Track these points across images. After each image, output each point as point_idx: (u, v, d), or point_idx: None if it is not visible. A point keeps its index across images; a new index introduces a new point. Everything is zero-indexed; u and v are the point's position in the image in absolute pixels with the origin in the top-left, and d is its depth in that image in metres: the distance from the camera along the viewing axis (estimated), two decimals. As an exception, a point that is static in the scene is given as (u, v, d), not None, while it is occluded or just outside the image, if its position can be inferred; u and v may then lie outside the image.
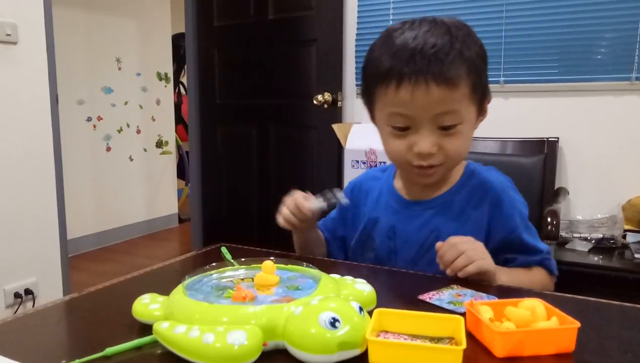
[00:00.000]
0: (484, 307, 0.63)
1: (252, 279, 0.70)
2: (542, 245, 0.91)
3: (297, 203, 0.90)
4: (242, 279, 0.71)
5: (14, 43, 2.13)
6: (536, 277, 0.89)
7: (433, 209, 0.90)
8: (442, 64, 0.75)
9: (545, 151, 2.18)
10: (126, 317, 0.66)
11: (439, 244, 0.79)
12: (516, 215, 0.89)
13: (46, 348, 0.62)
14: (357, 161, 2.32)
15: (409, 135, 0.81)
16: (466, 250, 0.76)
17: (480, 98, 0.82)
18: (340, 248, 1.05)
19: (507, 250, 0.89)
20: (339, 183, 2.58)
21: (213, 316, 0.58)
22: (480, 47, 0.82)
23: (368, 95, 0.85)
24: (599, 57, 2.15)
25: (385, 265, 0.91)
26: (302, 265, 0.74)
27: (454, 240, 0.78)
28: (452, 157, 0.83)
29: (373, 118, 0.88)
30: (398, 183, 0.97)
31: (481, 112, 0.85)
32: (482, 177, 0.91)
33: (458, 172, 0.92)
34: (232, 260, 0.74)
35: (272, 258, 0.76)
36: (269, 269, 0.68)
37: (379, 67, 0.80)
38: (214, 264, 0.75)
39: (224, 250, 0.92)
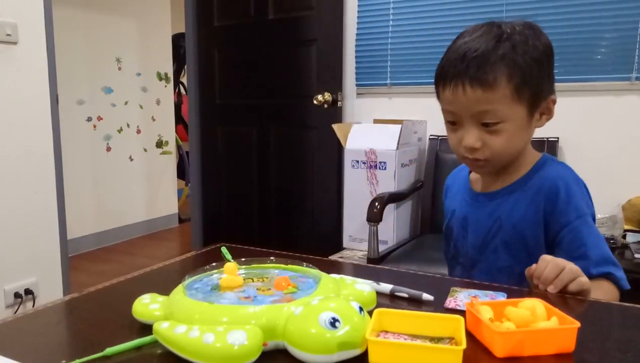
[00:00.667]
0: (484, 307, 0.63)
1: (252, 279, 0.70)
2: (607, 252, 0.88)
3: None
4: (242, 279, 0.71)
5: (14, 43, 2.13)
6: (611, 291, 0.85)
7: (498, 199, 0.94)
8: (478, 68, 0.82)
9: (545, 151, 2.18)
10: (126, 317, 0.67)
11: (532, 267, 0.79)
12: (572, 211, 0.89)
13: (46, 348, 0.62)
14: (357, 161, 2.32)
15: (459, 129, 0.88)
16: (567, 266, 0.76)
17: (532, 98, 0.85)
18: None
19: (565, 249, 0.87)
20: (338, 183, 2.59)
21: (213, 316, 0.58)
22: (539, 51, 0.85)
23: (436, 90, 0.92)
24: (599, 57, 2.15)
25: (460, 253, 0.99)
26: (302, 265, 0.74)
27: (550, 257, 0.78)
28: (496, 153, 0.87)
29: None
30: (473, 177, 1.02)
31: (539, 110, 0.88)
32: (546, 170, 0.93)
33: (528, 164, 0.94)
34: (232, 260, 0.74)
35: (272, 258, 0.76)
36: (231, 271, 0.68)
37: (438, 69, 0.90)
38: (214, 264, 0.75)
39: (224, 250, 0.92)
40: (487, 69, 0.82)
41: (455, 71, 0.84)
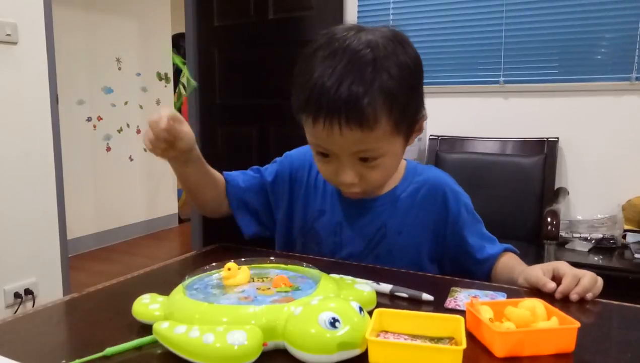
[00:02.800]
0: (484, 307, 0.63)
1: (252, 279, 0.70)
2: (489, 237, 0.93)
3: (171, 120, 0.82)
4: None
5: (14, 43, 2.13)
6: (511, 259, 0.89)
7: (380, 206, 0.90)
8: (355, 107, 0.72)
9: (545, 151, 2.18)
10: (126, 317, 0.67)
11: (552, 284, 0.73)
12: (462, 210, 0.90)
13: (46, 348, 0.62)
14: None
15: (332, 161, 0.80)
16: (585, 275, 0.73)
17: (408, 129, 0.80)
18: (248, 215, 1.02)
19: (461, 245, 0.89)
20: (339, 184, 2.58)
21: (213, 316, 0.58)
22: (411, 70, 0.76)
23: (296, 113, 0.84)
24: (599, 57, 2.15)
25: (328, 258, 0.92)
26: (302, 265, 0.74)
27: (564, 268, 0.75)
28: (374, 185, 0.84)
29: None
30: None
31: (412, 134, 0.83)
32: (425, 175, 0.92)
33: (400, 172, 0.92)
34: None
35: (272, 258, 0.76)
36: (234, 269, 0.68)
37: (299, 93, 0.80)
38: (214, 264, 0.75)
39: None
40: (366, 108, 0.72)
41: (328, 107, 0.73)
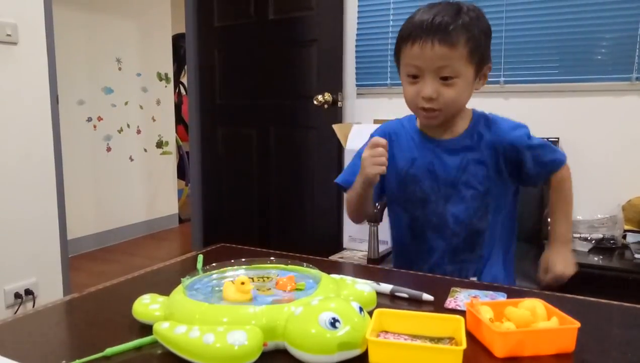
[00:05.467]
0: (484, 307, 0.63)
1: (252, 279, 0.70)
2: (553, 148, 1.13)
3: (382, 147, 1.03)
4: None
5: (14, 43, 2.13)
6: (567, 191, 1.13)
7: (458, 145, 1.10)
8: (444, 30, 0.99)
9: (545, 151, 2.18)
10: (126, 317, 0.67)
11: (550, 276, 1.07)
12: (512, 129, 1.10)
13: (46, 348, 0.62)
14: (357, 161, 2.31)
15: (418, 82, 1.04)
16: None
17: (478, 62, 1.04)
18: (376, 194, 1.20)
19: (525, 156, 1.08)
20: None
21: (213, 316, 0.58)
22: (486, 27, 1.05)
23: (397, 54, 1.08)
24: (599, 57, 2.15)
25: (429, 193, 1.10)
26: (302, 266, 0.74)
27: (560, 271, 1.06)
28: (448, 104, 1.03)
29: (400, 74, 1.10)
30: (422, 128, 1.16)
31: (479, 75, 1.06)
32: (492, 128, 1.11)
33: (467, 118, 1.12)
34: (200, 270, 0.73)
35: (272, 258, 0.76)
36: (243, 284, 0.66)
37: (404, 31, 1.05)
38: (214, 264, 0.75)
39: (199, 259, 0.88)
40: (451, 33, 0.99)
41: (424, 32, 1.00)
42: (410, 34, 1.03)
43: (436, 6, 1.04)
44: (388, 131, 1.19)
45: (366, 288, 0.70)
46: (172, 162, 4.33)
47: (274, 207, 2.88)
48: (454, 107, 1.06)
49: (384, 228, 2.23)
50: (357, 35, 2.61)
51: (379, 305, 0.68)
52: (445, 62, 1.00)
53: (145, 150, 4.05)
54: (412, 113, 1.13)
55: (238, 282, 0.65)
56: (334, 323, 0.54)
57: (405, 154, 1.14)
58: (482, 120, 1.12)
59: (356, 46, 2.62)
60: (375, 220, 2.01)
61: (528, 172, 1.09)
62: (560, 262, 1.07)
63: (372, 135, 1.19)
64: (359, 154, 1.15)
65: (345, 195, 1.19)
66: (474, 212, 1.08)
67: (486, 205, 1.09)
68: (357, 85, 2.64)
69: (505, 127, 1.11)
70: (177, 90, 4.76)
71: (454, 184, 1.09)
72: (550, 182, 1.12)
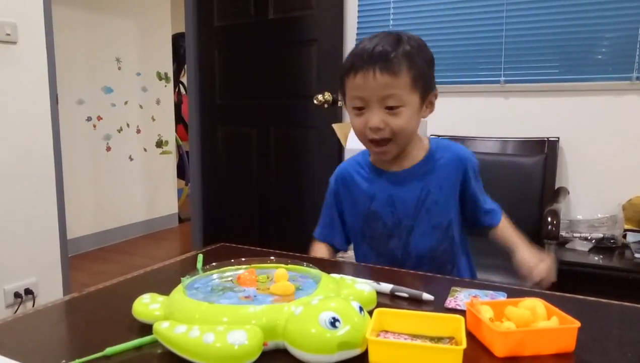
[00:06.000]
0: (484, 306, 0.63)
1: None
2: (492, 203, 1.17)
3: None
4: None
5: (14, 43, 2.13)
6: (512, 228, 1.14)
7: (418, 171, 1.10)
8: (386, 59, 1.00)
9: (545, 151, 2.18)
10: (126, 317, 0.67)
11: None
12: (474, 177, 1.12)
13: (46, 348, 0.62)
14: (357, 161, 2.31)
15: (364, 113, 1.03)
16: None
17: (423, 90, 1.04)
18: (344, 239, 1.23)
19: (468, 208, 1.12)
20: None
21: (213, 316, 0.58)
22: (428, 55, 1.06)
23: (341, 85, 1.08)
24: (600, 56, 2.15)
25: (393, 227, 1.09)
26: (302, 265, 0.74)
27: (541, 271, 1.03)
28: (397, 133, 1.03)
29: (345, 105, 1.10)
30: (375, 163, 1.15)
31: (426, 103, 1.06)
32: (450, 151, 1.12)
33: (425, 146, 1.12)
34: (200, 269, 0.73)
35: (272, 258, 0.76)
36: (282, 277, 0.67)
37: (346, 63, 1.06)
38: (214, 264, 0.75)
39: (199, 258, 0.88)
40: (393, 60, 1.00)
41: (365, 62, 1.01)
42: (352, 65, 1.03)
43: (377, 36, 1.05)
44: (343, 174, 1.20)
45: (366, 287, 0.70)
46: (171, 161, 4.33)
47: (274, 207, 2.88)
48: (403, 136, 1.04)
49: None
50: (357, 35, 2.61)
51: (379, 305, 0.68)
52: (389, 91, 1.00)
53: (145, 149, 4.05)
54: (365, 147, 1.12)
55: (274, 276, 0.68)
56: (334, 322, 0.54)
57: (364, 192, 1.13)
58: (440, 146, 1.13)
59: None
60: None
61: (465, 213, 1.12)
62: (534, 258, 1.05)
63: (330, 180, 1.24)
64: (327, 204, 1.23)
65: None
66: (437, 244, 1.09)
67: (451, 237, 1.09)
68: (357, 85, 2.64)
69: (462, 149, 1.13)
70: (176, 90, 4.75)
71: (415, 216, 1.09)
72: (490, 233, 1.14)
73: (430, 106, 1.09)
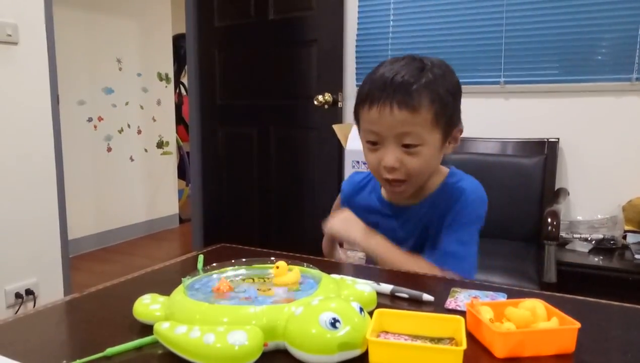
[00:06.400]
0: (484, 307, 0.63)
1: (253, 279, 0.70)
2: (457, 250, 0.98)
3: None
4: (243, 279, 0.71)
5: (15, 43, 2.13)
6: (414, 263, 0.97)
7: (420, 213, 1.03)
8: (405, 92, 0.89)
9: (545, 152, 2.18)
10: (127, 318, 0.67)
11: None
12: (460, 219, 0.99)
13: (47, 348, 0.62)
14: (358, 162, 2.32)
15: (379, 150, 0.94)
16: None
17: (446, 126, 0.93)
18: None
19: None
20: (339, 184, 2.58)
21: (214, 316, 0.58)
22: (453, 85, 0.95)
23: (355, 114, 1.00)
24: (600, 57, 2.15)
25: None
26: (303, 266, 0.74)
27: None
28: (413, 175, 0.94)
29: (360, 134, 1.01)
30: (384, 192, 1.09)
31: (449, 139, 0.96)
32: (457, 186, 1.02)
33: (439, 179, 1.03)
34: (201, 270, 0.73)
35: (272, 258, 0.76)
36: (283, 269, 0.69)
37: (362, 91, 0.96)
38: (214, 264, 0.75)
39: (200, 258, 0.88)
40: (413, 94, 0.89)
41: (383, 94, 0.90)
42: (367, 95, 0.93)
43: (398, 61, 0.94)
44: (351, 195, 1.15)
45: (366, 288, 0.70)
46: (172, 162, 4.33)
47: (274, 207, 2.88)
48: (420, 178, 0.96)
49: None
50: (358, 35, 2.61)
51: (379, 305, 0.68)
52: (407, 128, 0.90)
53: (146, 150, 4.06)
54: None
55: (274, 266, 0.69)
56: (334, 323, 0.54)
57: (368, 216, 1.07)
58: (456, 185, 1.01)
59: (356, 46, 2.62)
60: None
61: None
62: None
63: (343, 188, 1.19)
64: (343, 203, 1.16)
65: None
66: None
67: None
68: (357, 86, 2.64)
69: (471, 194, 1.00)
70: (177, 91, 4.76)
71: (411, 248, 1.03)
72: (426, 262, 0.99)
73: (454, 142, 0.98)
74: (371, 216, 1.07)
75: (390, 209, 1.06)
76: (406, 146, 0.91)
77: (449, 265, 0.95)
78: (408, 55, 0.96)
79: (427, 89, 0.90)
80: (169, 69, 4.25)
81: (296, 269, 0.70)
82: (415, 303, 0.74)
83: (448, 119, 0.93)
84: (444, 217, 0.99)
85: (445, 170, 1.05)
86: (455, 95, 0.95)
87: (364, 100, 0.94)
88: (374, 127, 0.93)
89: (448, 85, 0.93)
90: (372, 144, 0.95)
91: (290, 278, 0.68)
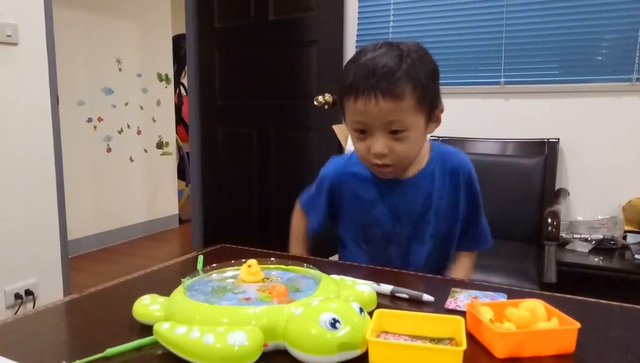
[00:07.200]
0: (484, 307, 0.63)
1: (264, 280, 0.70)
2: (485, 227, 1.13)
3: None
4: (243, 280, 0.71)
5: (15, 44, 2.13)
6: (466, 267, 1.12)
7: (421, 180, 1.06)
8: (389, 81, 0.92)
9: (545, 152, 2.18)
10: (127, 318, 0.67)
11: None
12: (479, 195, 1.09)
13: (46, 348, 0.62)
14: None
15: (367, 138, 0.98)
16: None
17: (428, 108, 0.97)
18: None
19: (465, 227, 1.09)
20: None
21: (213, 317, 0.58)
22: (432, 68, 0.99)
23: (340, 103, 1.02)
24: (600, 58, 2.15)
25: (391, 234, 1.07)
26: (303, 266, 0.74)
27: None
28: (401, 158, 0.98)
29: (345, 122, 1.04)
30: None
31: (432, 119, 1.00)
32: (452, 157, 1.09)
33: (426, 152, 1.08)
34: (201, 270, 0.73)
35: (272, 259, 0.76)
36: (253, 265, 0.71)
37: (346, 81, 0.98)
38: (214, 265, 0.75)
39: (199, 259, 0.88)
40: (396, 83, 0.92)
41: (367, 85, 0.93)
42: (351, 85, 0.95)
43: (378, 49, 0.97)
44: (339, 179, 1.16)
45: (366, 288, 0.70)
46: (172, 162, 4.33)
47: (274, 207, 2.88)
48: (407, 160, 1.00)
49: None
50: (357, 35, 2.61)
51: (379, 306, 0.68)
52: (393, 116, 0.93)
53: (146, 150, 4.06)
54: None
55: (245, 265, 0.70)
56: (334, 323, 0.54)
57: (363, 196, 1.09)
58: (441, 153, 1.09)
59: (356, 47, 2.62)
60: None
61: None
62: None
63: (323, 176, 1.22)
64: (318, 190, 1.23)
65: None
66: (430, 254, 1.06)
67: (446, 248, 1.09)
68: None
69: (460, 160, 1.08)
70: (177, 91, 4.76)
71: (417, 224, 1.06)
72: (464, 254, 1.13)
73: (437, 121, 1.02)
74: (366, 189, 1.09)
75: (387, 183, 1.07)
76: (393, 132, 0.95)
77: (482, 245, 1.12)
78: (385, 42, 0.99)
79: (408, 76, 0.93)
80: (168, 69, 4.25)
81: (259, 270, 0.71)
82: (415, 304, 0.74)
83: (430, 101, 0.97)
84: (450, 189, 1.06)
85: (427, 141, 1.09)
86: (434, 78, 0.99)
87: (348, 91, 0.96)
88: (360, 117, 0.96)
89: (427, 69, 0.97)
90: (360, 132, 0.98)
91: (255, 278, 0.69)
